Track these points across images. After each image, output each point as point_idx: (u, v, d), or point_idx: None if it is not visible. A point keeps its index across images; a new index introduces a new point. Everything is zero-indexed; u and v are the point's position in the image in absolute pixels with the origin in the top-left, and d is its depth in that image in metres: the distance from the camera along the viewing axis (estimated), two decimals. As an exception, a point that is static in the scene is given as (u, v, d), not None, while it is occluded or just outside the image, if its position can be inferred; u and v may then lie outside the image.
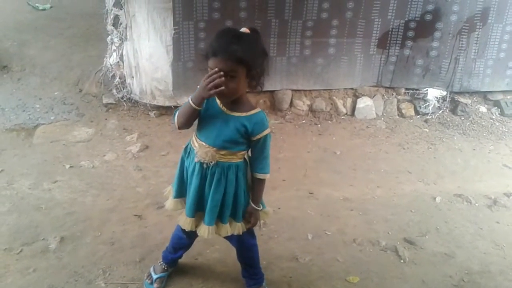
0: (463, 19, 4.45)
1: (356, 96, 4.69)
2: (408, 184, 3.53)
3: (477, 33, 4.53)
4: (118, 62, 4.35)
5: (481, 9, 4.42)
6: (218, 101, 1.87)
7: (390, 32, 4.47)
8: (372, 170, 3.69)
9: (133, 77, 4.25)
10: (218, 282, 2.37)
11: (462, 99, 4.81)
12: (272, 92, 4.53)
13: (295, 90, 4.59)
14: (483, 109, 4.83)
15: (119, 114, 4.24)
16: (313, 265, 2.56)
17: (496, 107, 4.86)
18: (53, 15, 5.85)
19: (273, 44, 4.31)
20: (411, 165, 3.82)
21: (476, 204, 3.28)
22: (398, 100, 4.77)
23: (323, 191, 3.33)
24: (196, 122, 1.92)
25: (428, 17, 4.42)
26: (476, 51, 4.61)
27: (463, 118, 4.69)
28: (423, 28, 4.47)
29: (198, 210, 1.99)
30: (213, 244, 2.58)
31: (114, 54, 4.35)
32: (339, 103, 4.63)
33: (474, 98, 4.89)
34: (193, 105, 1.78)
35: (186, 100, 1.82)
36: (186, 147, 2.00)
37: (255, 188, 1.99)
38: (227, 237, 2.13)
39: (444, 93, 4.78)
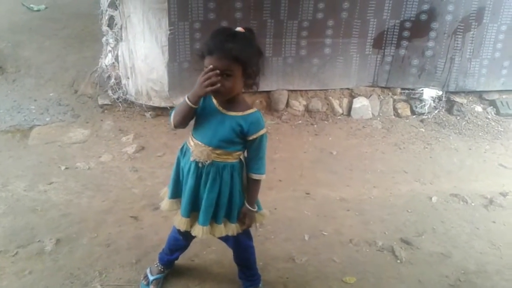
0: (458, 18, 4.46)
1: (352, 96, 4.69)
2: (404, 184, 3.54)
3: (472, 33, 4.54)
4: (113, 63, 4.34)
5: (476, 9, 4.43)
6: (214, 100, 1.86)
7: (385, 32, 4.47)
8: (368, 170, 3.69)
9: (128, 78, 4.24)
10: (215, 284, 2.37)
11: (457, 99, 4.82)
12: (268, 92, 4.53)
13: (291, 90, 4.59)
14: (478, 108, 4.84)
15: (114, 115, 4.23)
16: (309, 265, 2.56)
17: (491, 107, 4.87)
18: (47, 16, 5.82)
19: (269, 44, 4.30)
20: (407, 165, 3.83)
21: (472, 204, 3.29)
22: (394, 100, 4.77)
23: (320, 192, 3.33)
24: (192, 123, 1.91)
25: (423, 17, 4.42)
26: (472, 50, 4.62)
27: (459, 118, 4.70)
28: (419, 28, 4.48)
29: (193, 210, 1.99)
30: (209, 245, 2.58)
31: (110, 55, 4.34)
32: (335, 103, 4.63)
33: (470, 98, 4.90)
34: (189, 103, 1.78)
35: (182, 100, 1.81)
36: (182, 147, 2.00)
37: (250, 188, 1.99)
38: (223, 239, 2.13)
39: (440, 92, 4.79)
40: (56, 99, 4.33)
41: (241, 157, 1.96)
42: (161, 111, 4.27)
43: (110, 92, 4.35)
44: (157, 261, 2.33)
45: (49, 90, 4.43)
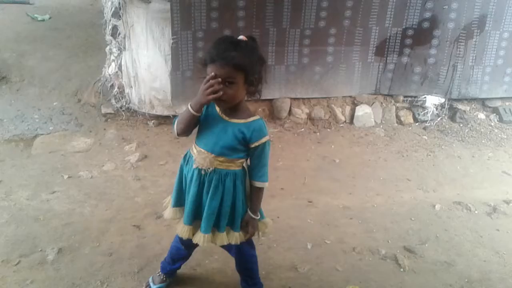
0: (461, 26, 4.47)
1: (354, 104, 4.69)
2: (407, 192, 3.52)
3: (475, 40, 4.54)
4: (116, 72, 4.36)
5: (478, 16, 4.44)
6: (217, 108, 1.87)
7: (387, 40, 4.48)
8: (371, 178, 3.68)
9: (131, 86, 4.26)
10: (217, 293, 2.36)
11: (460, 106, 4.82)
12: (270, 100, 4.54)
13: (294, 98, 4.59)
14: (481, 116, 4.83)
15: (117, 124, 4.24)
16: (312, 274, 2.55)
17: (494, 114, 4.86)
18: (52, 26, 5.87)
19: (271, 52, 4.32)
20: (410, 172, 3.82)
21: (476, 212, 3.27)
22: (397, 108, 4.77)
23: (322, 200, 3.32)
24: (195, 131, 1.92)
25: (426, 24, 4.43)
26: (474, 58, 4.62)
27: (461, 125, 4.69)
28: (421, 35, 4.49)
29: (195, 218, 1.99)
30: (212, 254, 2.57)
31: (113, 64, 4.36)
32: (338, 111, 4.63)
33: (473, 105, 4.90)
34: (192, 111, 1.78)
35: (185, 109, 1.82)
36: (186, 155, 2.01)
37: (253, 196, 1.98)
38: (226, 247, 2.13)
39: (443, 100, 4.79)
40: (60, 108, 4.35)
41: (244, 165, 1.96)
42: (164, 120, 4.28)
43: (113, 101, 4.36)
44: (159, 270, 2.32)
45: (52, 99, 4.46)
